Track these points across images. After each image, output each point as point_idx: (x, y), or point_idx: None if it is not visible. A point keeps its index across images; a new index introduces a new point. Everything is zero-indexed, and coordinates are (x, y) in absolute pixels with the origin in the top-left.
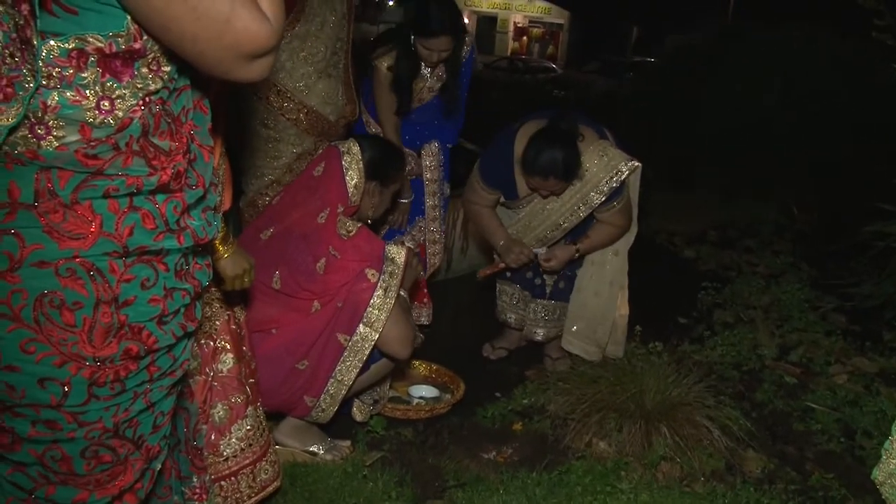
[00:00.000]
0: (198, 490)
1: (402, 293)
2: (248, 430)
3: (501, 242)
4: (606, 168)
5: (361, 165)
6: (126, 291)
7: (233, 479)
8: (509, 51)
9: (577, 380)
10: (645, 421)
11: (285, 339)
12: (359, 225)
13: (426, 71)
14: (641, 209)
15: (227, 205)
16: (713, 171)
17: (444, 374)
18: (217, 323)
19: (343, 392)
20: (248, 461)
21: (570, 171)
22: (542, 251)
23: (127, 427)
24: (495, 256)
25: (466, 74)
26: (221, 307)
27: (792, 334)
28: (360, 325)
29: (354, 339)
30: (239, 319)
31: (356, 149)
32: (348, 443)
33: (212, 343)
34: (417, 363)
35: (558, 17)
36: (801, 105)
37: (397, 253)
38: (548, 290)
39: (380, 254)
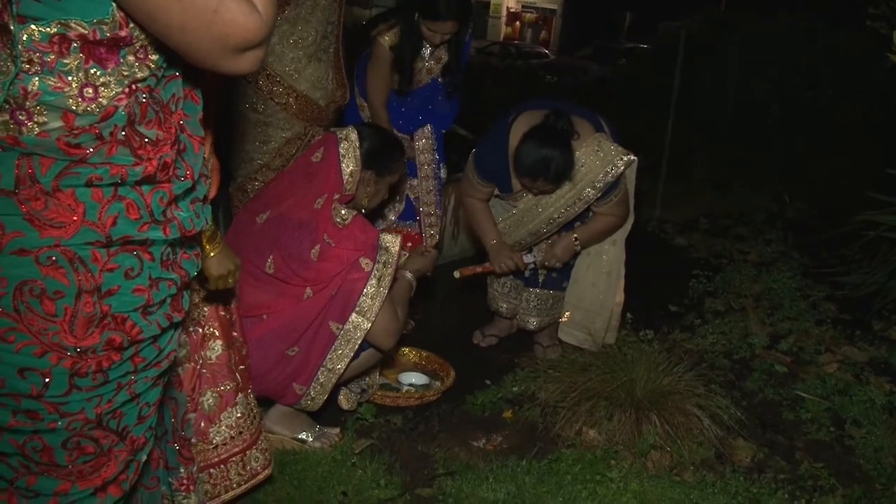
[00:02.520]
0: (185, 481)
1: (409, 278)
2: (239, 417)
3: (493, 242)
4: (602, 163)
5: (358, 154)
6: (109, 281)
7: (222, 466)
8: (502, 36)
9: (568, 368)
10: (635, 409)
11: (276, 325)
12: (354, 213)
13: (425, 51)
14: (633, 197)
15: (212, 194)
16: (706, 159)
17: (434, 361)
18: (205, 309)
19: (333, 381)
20: (238, 449)
21: (560, 174)
22: (531, 259)
23: (111, 418)
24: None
25: (465, 56)
26: (208, 294)
27: (782, 323)
28: (353, 314)
29: (346, 327)
30: (228, 305)
31: (354, 136)
32: (337, 430)
33: (200, 330)
34: (407, 350)
35: (551, 2)
36: (794, 94)
37: (391, 242)
38: (540, 279)
39: (374, 243)
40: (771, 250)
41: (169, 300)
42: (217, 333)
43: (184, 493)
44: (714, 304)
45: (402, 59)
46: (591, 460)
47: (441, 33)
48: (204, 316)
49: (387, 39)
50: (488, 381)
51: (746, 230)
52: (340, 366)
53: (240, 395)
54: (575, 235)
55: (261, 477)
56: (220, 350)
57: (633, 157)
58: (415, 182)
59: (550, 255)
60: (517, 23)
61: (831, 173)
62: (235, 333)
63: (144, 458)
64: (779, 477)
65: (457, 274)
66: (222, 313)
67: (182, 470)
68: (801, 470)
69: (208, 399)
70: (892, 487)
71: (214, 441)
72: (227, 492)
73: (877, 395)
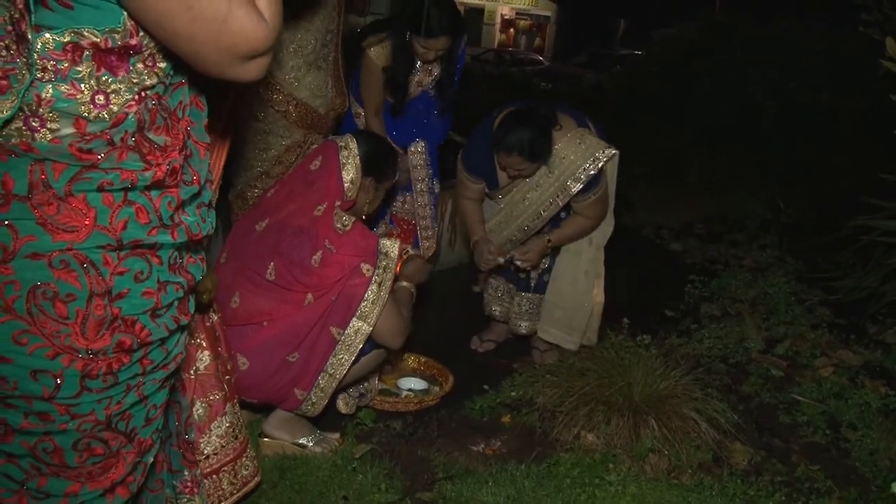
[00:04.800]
0: (189, 483)
1: (409, 287)
2: (228, 426)
3: (476, 239)
4: (584, 155)
5: (358, 161)
6: (119, 284)
7: (215, 476)
8: (496, 43)
9: (566, 372)
10: (633, 413)
11: (277, 331)
12: (353, 219)
13: (416, 66)
14: (628, 202)
15: None
16: (700, 165)
17: (433, 366)
18: (192, 321)
19: (334, 386)
20: (229, 458)
21: (534, 150)
22: (510, 255)
23: (119, 420)
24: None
25: (459, 70)
26: None
27: (778, 327)
28: (354, 319)
29: (347, 332)
30: (213, 319)
31: (353, 144)
32: (337, 435)
33: (192, 340)
34: (406, 355)
35: (545, 9)
36: (789, 99)
37: (391, 247)
38: (532, 284)
39: (374, 248)
40: (766, 255)
41: (176, 303)
42: (204, 344)
43: (188, 496)
44: (710, 308)
45: (395, 80)
46: (590, 464)
47: (434, 50)
48: (192, 327)
49: (374, 52)
50: (487, 386)
51: (741, 235)
52: (341, 371)
53: (228, 404)
54: (548, 238)
55: (251, 485)
56: (208, 360)
57: (614, 151)
58: (408, 197)
59: (523, 256)
60: (511, 30)
61: (825, 178)
62: (221, 349)
63: (151, 459)
64: (776, 479)
65: (476, 289)
66: (208, 325)
67: (186, 473)
68: (797, 472)
69: (198, 409)
70: (887, 490)
71: (205, 451)
72: (220, 501)
73: (872, 399)
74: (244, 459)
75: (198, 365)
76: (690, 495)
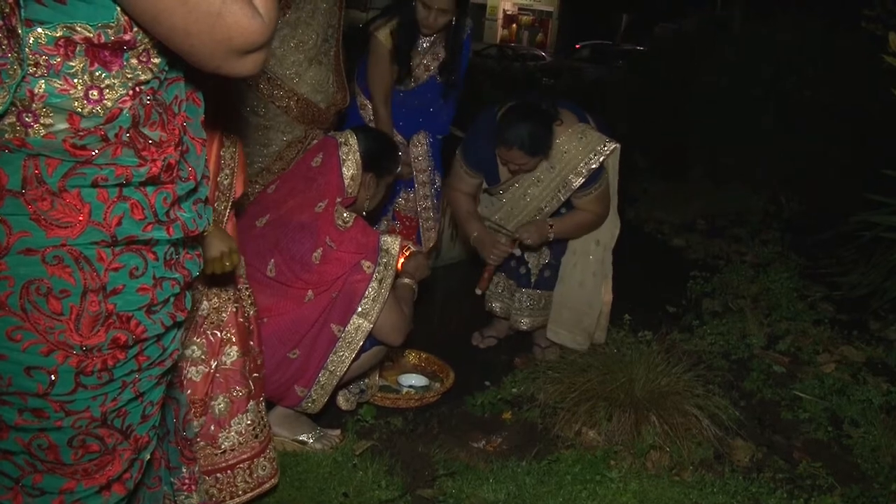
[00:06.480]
0: (187, 480)
1: (410, 283)
2: (249, 424)
3: (475, 234)
4: (585, 150)
5: (358, 157)
6: (114, 280)
7: (229, 472)
8: (498, 38)
9: (567, 369)
10: (634, 410)
11: (278, 328)
12: (354, 216)
13: (424, 44)
14: (630, 197)
15: (238, 191)
16: (703, 160)
17: (434, 362)
18: (224, 315)
19: (334, 382)
20: (245, 456)
21: (535, 144)
22: (514, 235)
23: (115, 417)
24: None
25: (465, 55)
26: (229, 298)
27: (780, 323)
28: (354, 316)
29: (348, 329)
30: (248, 314)
31: (353, 140)
32: (338, 432)
33: (219, 334)
34: (407, 352)
35: (548, 4)
36: (791, 94)
37: (392, 244)
38: (533, 280)
39: (375, 245)
40: (768, 251)
41: (172, 299)
42: (234, 339)
43: (186, 493)
44: (712, 304)
45: (400, 45)
46: (591, 460)
47: (437, 9)
48: (223, 321)
49: (382, 34)
50: (488, 383)
51: (743, 231)
52: (342, 368)
53: (251, 402)
54: (550, 222)
55: (266, 486)
56: (236, 356)
57: (615, 145)
58: (411, 193)
59: (523, 229)
60: (514, 25)
61: (828, 174)
62: (252, 343)
63: (148, 456)
64: (777, 476)
65: (479, 291)
66: (241, 320)
67: (184, 470)
68: (799, 469)
69: (220, 403)
70: (889, 486)
71: (223, 446)
72: (231, 498)
73: (874, 395)
74: (262, 459)
75: (224, 359)
76: (692, 492)
